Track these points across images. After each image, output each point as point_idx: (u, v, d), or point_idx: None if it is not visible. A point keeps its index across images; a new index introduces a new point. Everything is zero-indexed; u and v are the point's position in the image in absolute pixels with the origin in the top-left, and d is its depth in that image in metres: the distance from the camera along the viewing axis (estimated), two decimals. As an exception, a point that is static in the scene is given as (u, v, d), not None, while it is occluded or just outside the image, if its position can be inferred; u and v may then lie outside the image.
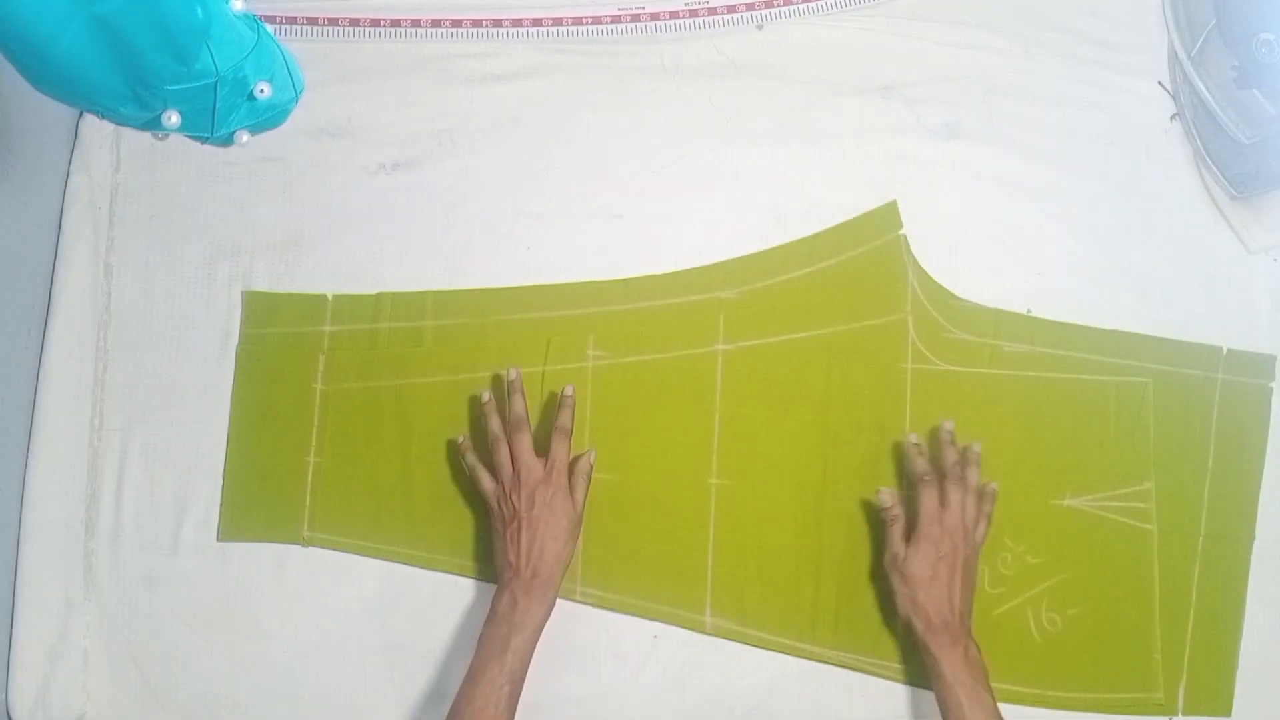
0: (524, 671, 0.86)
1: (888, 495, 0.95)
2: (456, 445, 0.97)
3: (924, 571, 0.91)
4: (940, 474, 0.95)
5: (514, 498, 0.91)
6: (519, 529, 0.90)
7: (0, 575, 0.95)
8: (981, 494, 0.96)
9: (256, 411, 1.00)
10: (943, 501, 0.93)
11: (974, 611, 0.96)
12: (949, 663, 0.88)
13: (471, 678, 0.86)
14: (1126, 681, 0.99)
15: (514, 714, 0.85)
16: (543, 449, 0.94)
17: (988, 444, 1.00)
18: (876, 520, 0.98)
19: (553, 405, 0.99)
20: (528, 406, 0.95)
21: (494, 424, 0.94)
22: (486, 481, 0.93)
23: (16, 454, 0.97)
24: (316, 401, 1.00)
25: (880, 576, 0.96)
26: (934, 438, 0.99)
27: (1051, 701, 0.98)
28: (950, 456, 0.96)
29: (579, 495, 0.92)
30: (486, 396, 0.97)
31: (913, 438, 0.98)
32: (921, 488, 0.94)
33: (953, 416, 1.00)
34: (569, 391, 0.96)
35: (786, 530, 0.99)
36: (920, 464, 0.96)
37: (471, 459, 0.95)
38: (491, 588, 0.97)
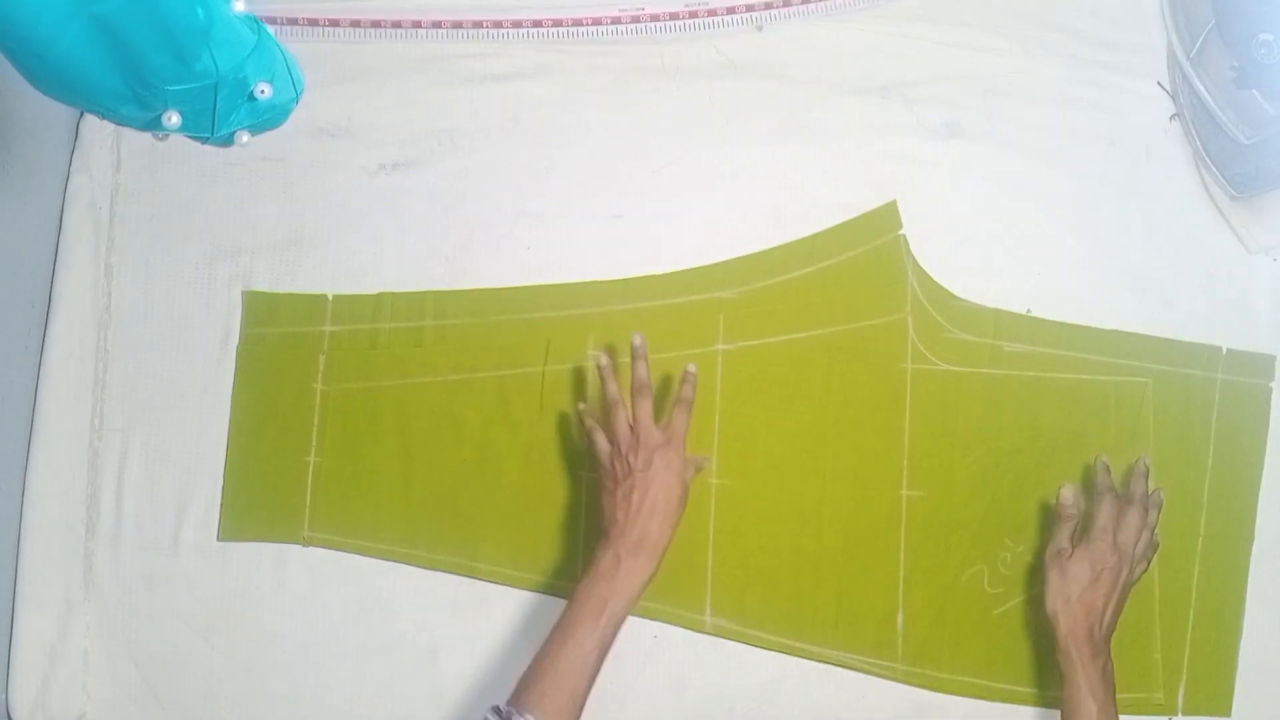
0: (614, 639, 0.83)
1: (1069, 494, 0.94)
2: (579, 410, 0.95)
3: (1086, 574, 0.90)
4: (1131, 498, 0.95)
5: (629, 457, 0.88)
6: (631, 487, 0.87)
7: (1, 575, 0.95)
8: (1154, 534, 0.95)
9: (257, 411, 1.00)
10: (1122, 523, 0.92)
11: (973, 611, 0.96)
12: (1087, 675, 0.87)
13: (560, 635, 0.82)
14: (1126, 681, 0.98)
15: (590, 689, 0.81)
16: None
17: (988, 444, 1.00)
18: (883, 521, 0.99)
19: (553, 404, 0.99)
20: (650, 373, 0.93)
21: (612, 388, 0.92)
22: (602, 442, 0.91)
23: (17, 454, 0.97)
24: (317, 401, 1.00)
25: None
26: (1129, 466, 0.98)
27: (1051, 701, 0.98)
28: (1140, 488, 0.96)
29: (690, 475, 0.90)
30: (604, 360, 0.94)
31: (1103, 458, 0.97)
32: (1105, 499, 0.94)
33: (952, 417, 1.00)
34: (692, 369, 0.94)
35: (786, 530, 0.99)
36: (1106, 480, 0.96)
37: (590, 421, 0.93)
38: (491, 588, 0.97)
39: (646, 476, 0.87)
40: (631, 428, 0.90)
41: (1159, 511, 0.95)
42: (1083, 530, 0.94)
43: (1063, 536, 0.93)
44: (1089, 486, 0.97)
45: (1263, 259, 1.06)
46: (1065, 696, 0.88)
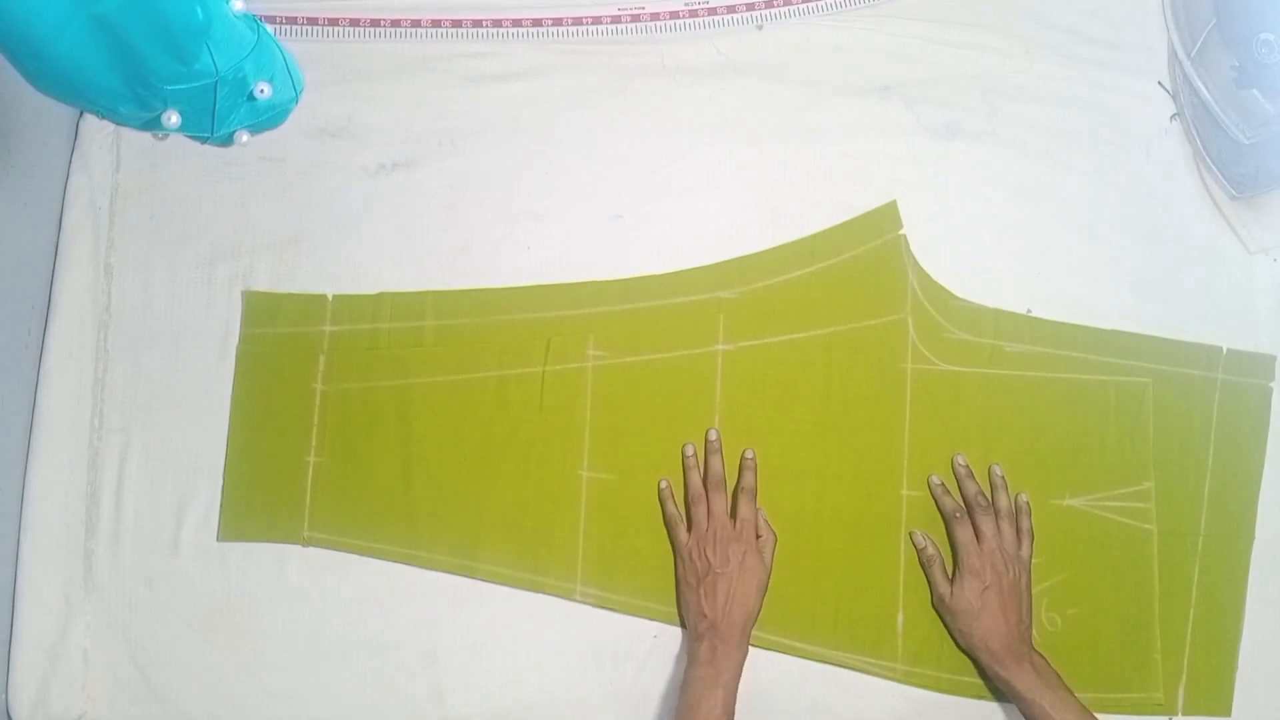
0: (733, 708, 0.89)
1: (920, 537, 0.98)
2: (660, 490, 0.99)
3: (971, 605, 0.93)
4: (969, 507, 0.97)
5: (709, 552, 0.94)
6: (715, 584, 0.93)
7: (0, 575, 0.95)
8: (1018, 510, 0.98)
9: (257, 411, 1.00)
10: (977, 533, 0.96)
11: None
12: (1021, 681, 0.90)
13: (687, 713, 0.88)
14: (1126, 681, 0.99)
15: None
16: None
17: (988, 444, 1.00)
18: (883, 521, 0.99)
19: (554, 404, 0.99)
20: (725, 466, 0.99)
21: (695, 480, 0.98)
22: (683, 534, 0.97)
23: (17, 454, 0.97)
24: (316, 401, 1.00)
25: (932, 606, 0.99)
26: (954, 473, 1.01)
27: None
28: (970, 488, 0.98)
29: (768, 555, 0.96)
30: (690, 450, 0.99)
31: (935, 479, 1.00)
32: (953, 525, 0.97)
33: (953, 416, 1.01)
34: (750, 455, 0.99)
35: (786, 530, 0.99)
36: (948, 502, 0.98)
37: (672, 509, 0.98)
38: (491, 588, 0.97)
39: (727, 572, 0.93)
40: (708, 522, 0.96)
41: (1005, 491, 0.99)
42: (954, 561, 0.97)
43: (938, 580, 0.97)
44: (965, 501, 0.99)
45: (1263, 259, 1.07)
46: (1022, 714, 0.90)
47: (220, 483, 0.99)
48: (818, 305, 1.02)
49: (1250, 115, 1.03)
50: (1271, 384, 1.04)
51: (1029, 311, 1.03)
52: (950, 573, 0.97)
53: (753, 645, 0.97)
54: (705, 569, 0.94)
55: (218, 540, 0.98)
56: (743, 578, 0.93)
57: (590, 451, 0.99)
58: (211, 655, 0.97)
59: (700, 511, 0.96)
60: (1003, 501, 0.98)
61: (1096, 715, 0.87)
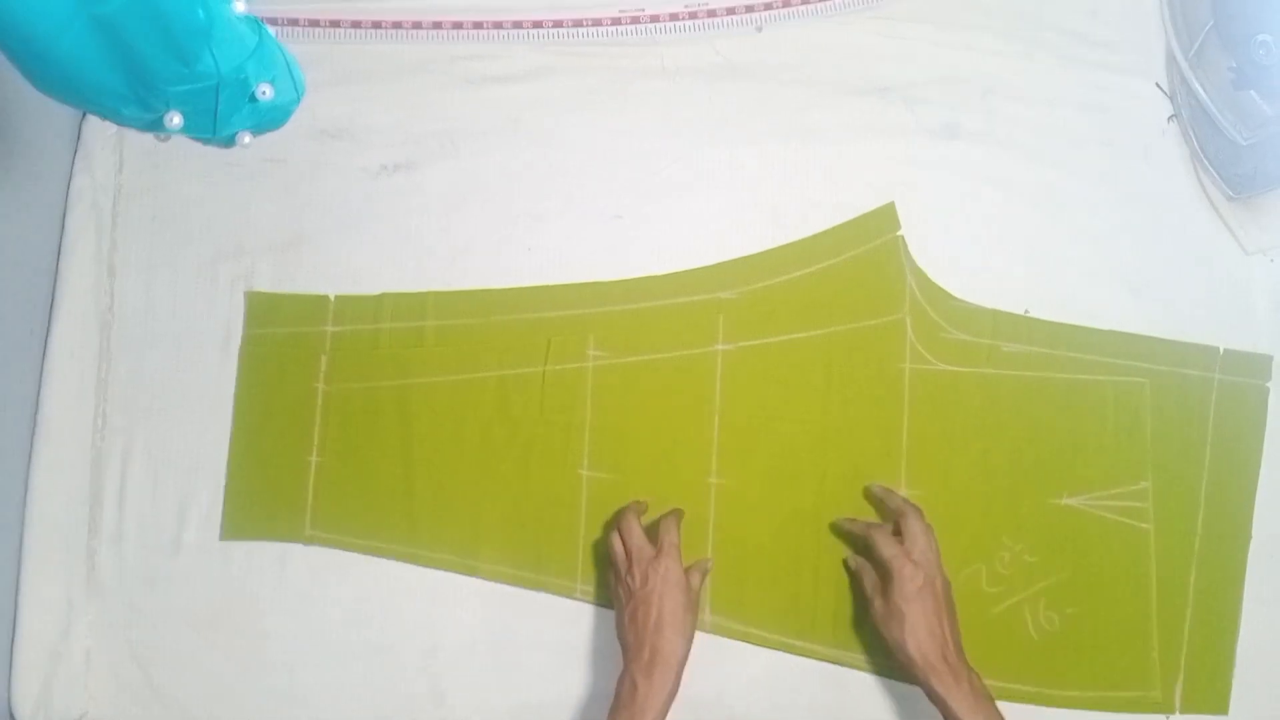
0: None
1: (850, 558, 0.97)
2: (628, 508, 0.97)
3: (902, 614, 0.89)
4: (901, 513, 0.95)
5: (627, 578, 0.91)
6: (635, 608, 0.89)
7: (3, 575, 0.95)
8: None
9: (259, 411, 1.00)
10: (908, 536, 0.93)
11: (972, 611, 0.96)
12: (958, 702, 0.85)
13: None
14: (1123, 680, 0.99)
15: None
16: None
17: (986, 444, 1.01)
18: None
19: (554, 404, 0.99)
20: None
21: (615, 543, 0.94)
22: (616, 557, 0.93)
23: (19, 454, 0.97)
24: (318, 401, 1.00)
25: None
26: (872, 499, 1.00)
27: (1049, 700, 0.98)
28: (893, 501, 0.97)
29: (695, 582, 0.92)
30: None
31: (841, 521, 0.98)
32: (874, 534, 0.94)
33: (951, 416, 1.01)
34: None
35: (786, 530, 0.99)
36: (857, 526, 0.96)
37: (613, 536, 0.94)
38: (492, 587, 0.98)
39: (646, 593, 0.89)
40: (624, 551, 0.92)
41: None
42: (881, 576, 0.93)
43: (869, 589, 0.93)
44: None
45: (1260, 259, 1.07)
46: None
47: (222, 482, 0.99)
48: (817, 305, 1.02)
49: (1248, 116, 1.03)
50: (1268, 384, 1.04)
51: (1027, 312, 1.03)
52: (881, 586, 0.93)
53: (752, 644, 0.97)
54: (628, 595, 0.90)
55: (220, 540, 0.98)
56: (665, 596, 0.89)
57: (590, 451, 1.00)
58: (213, 655, 0.97)
59: (617, 546, 0.93)
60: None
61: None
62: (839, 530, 0.99)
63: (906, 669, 0.89)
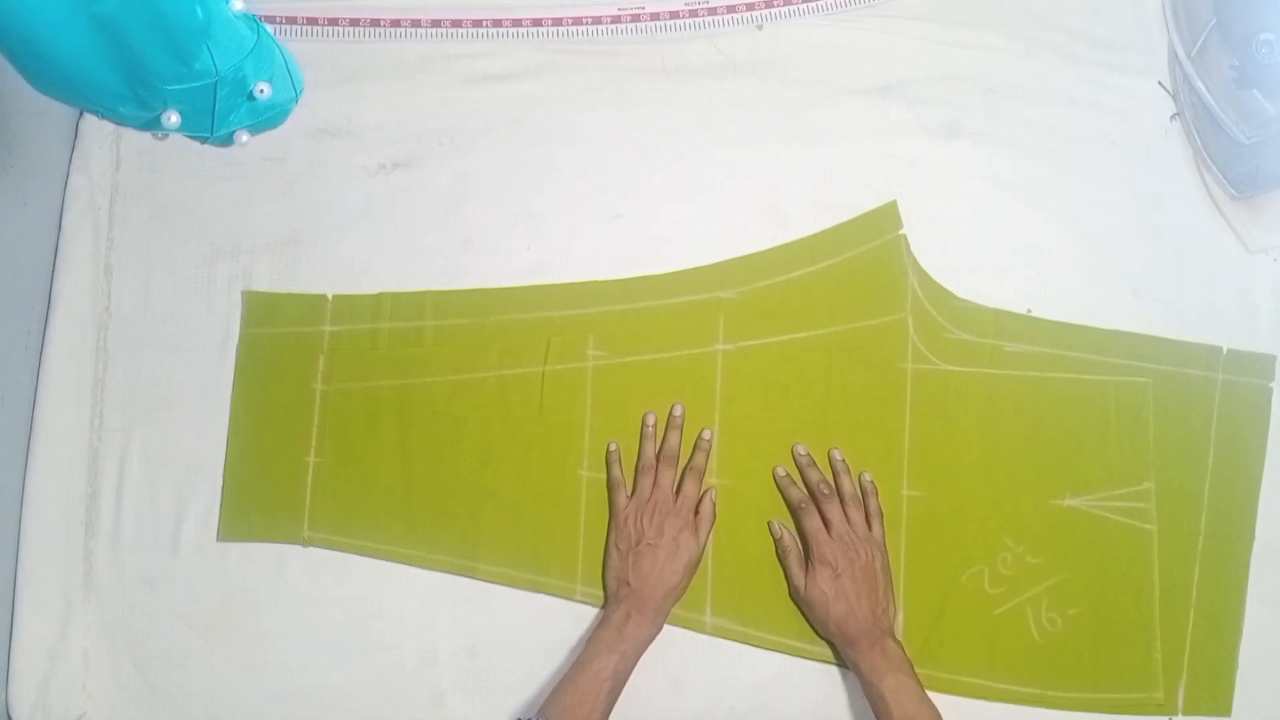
0: (627, 677, 0.90)
1: (776, 527, 0.98)
2: (608, 452, 0.99)
3: (824, 594, 0.93)
4: (813, 496, 0.97)
5: (644, 521, 0.94)
6: (641, 553, 0.93)
7: (0, 575, 0.95)
8: (863, 492, 0.99)
9: (256, 411, 1.00)
10: (825, 521, 0.95)
11: (974, 612, 0.96)
12: (867, 663, 0.90)
13: (578, 666, 0.89)
14: (1126, 681, 0.99)
15: (610, 714, 0.88)
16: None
17: (988, 444, 1.00)
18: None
19: (554, 404, 0.99)
20: (681, 443, 0.99)
21: (649, 450, 0.98)
22: (622, 498, 0.97)
23: (17, 454, 0.97)
24: (316, 401, 1.00)
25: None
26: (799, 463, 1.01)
27: (1051, 701, 0.98)
28: (812, 477, 0.98)
29: (703, 534, 0.96)
30: (651, 420, 0.99)
31: (780, 470, 1.00)
32: (800, 516, 0.97)
33: (953, 417, 1.01)
34: (707, 435, 0.99)
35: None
36: (794, 493, 0.98)
37: (618, 471, 0.98)
38: (491, 588, 0.97)
39: (656, 546, 0.93)
40: (651, 492, 0.96)
41: (847, 475, 0.98)
42: (805, 552, 0.97)
43: (794, 571, 0.96)
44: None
45: (1263, 259, 1.07)
46: (866, 697, 0.90)
47: (220, 483, 0.99)
48: (818, 305, 1.02)
49: (1250, 115, 1.03)
50: (1271, 384, 1.04)
51: (1029, 311, 1.03)
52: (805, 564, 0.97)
53: (753, 645, 0.97)
54: (638, 538, 0.94)
55: (218, 540, 0.98)
56: (673, 553, 0.93)
57: (590, 451, 0.99)
58: (211, 655, 0.97)
59: (646, 481, 0.96)
60: (846, 486, 0.98)
61: (939, 713, 0.88)
62: (777, 480, 1.00)
63: (827, 641, 0.95)
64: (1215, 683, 0.99)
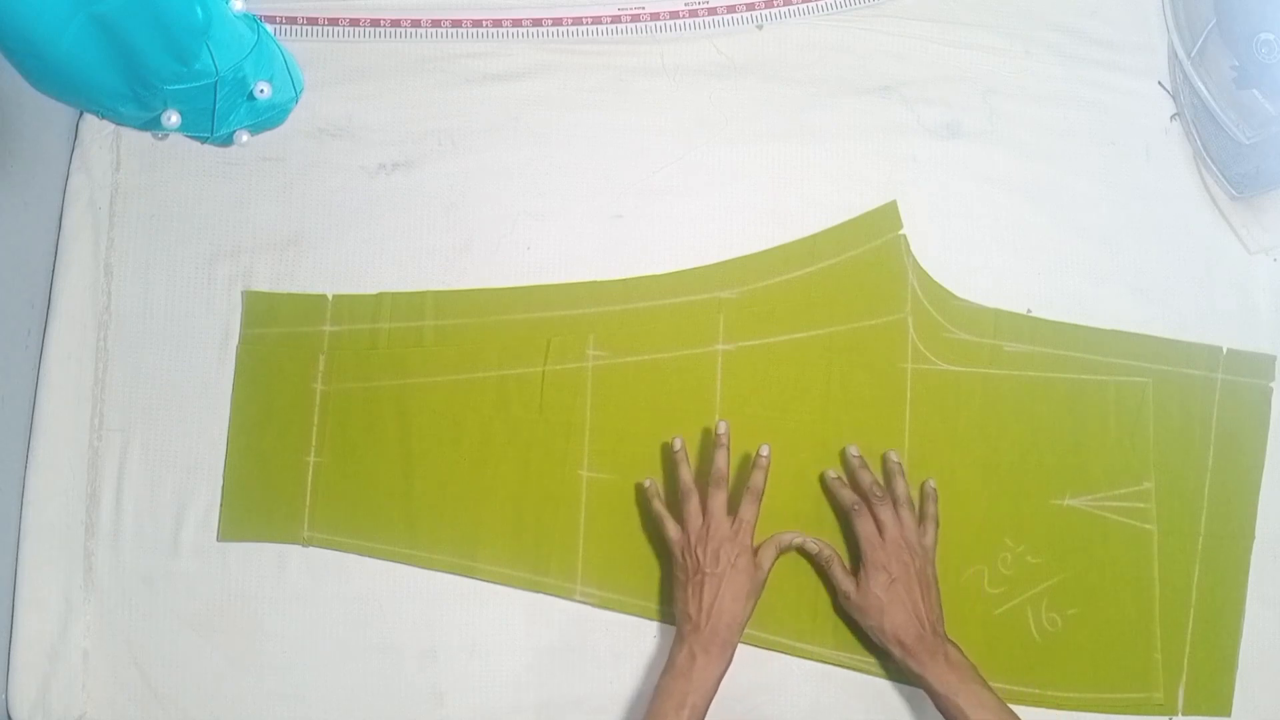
0: None
1: (812, 543, 0.96)
2: (643, 489, 0.97)
3: (878, 601, 0.91)
4: (865, 498, 0.95)
5: (699, 551, 0.91)
6: (701, 583, 0.90)
7: (1, 575, 0.95)
8: (924, 496, 0.98)
9: (257, 411, 1.00)
10: (878, 524, 0.94)
11: (974, 612, 0.96)
12: (934, 675, 0.88)
13: None
14: (1126, 681, 0.99)
15: None
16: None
17: (988, 444, 1.00)
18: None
19: (554, 404, 0.99)
20: (729, 462, 0.95)
21: (685, 474, 0.95)
22: (673, 530, 0.93)
23: (17, 454, 0.97)
24: (316, 401, 1.00)
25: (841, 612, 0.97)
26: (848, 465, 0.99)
27: (1051, 701, 0.98)
28: (865, 479, 0.96)
29: (766, 562, 0.93)
30: (678, 445, 0.97)
31: (830, 473, 0.98)
32: (854, 519, 0.94)
33: (953, 417, 1.01)
34: (765, 452, 0.96)
35: (787, 530, 0.98)
36: (846, 495, 0.96)
37: (658, 506, 0.95)
38: (491, 588, 0.97)
39: (717, 573, 0.90)
40: (703, 519, 0.92)
41: (902, 477, 0.97)
42: (855, 556, 0.95)
43: (840, 578, 0.94)
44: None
45: (1263, 259, 1.07)
46: (937, 708, 0.88)
47: (220, 483, 0.99)
48: (818, 305, 1.02)
49: (1250, 115, 1.03)
50: (1271, 384, 1.04)
51: (1029, 311, 1.03)
52: (852, 569, 0.95)
53: (753, 645, 0.97)
54: (695, 568, 0.90)
55: (217, 540, 0.98)
56: (733, 581, 0.90)
57: (590, 451, 0.99)
58: (211, 655, 0.97)
59: (692, 508, 0.93)
60: (900, 488, 0.96)
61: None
62: (825, 484, 0.99)
63: (884, 653, 0.92)
64: (1215, 682, 0.99)
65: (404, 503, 0.98)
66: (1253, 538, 1.02)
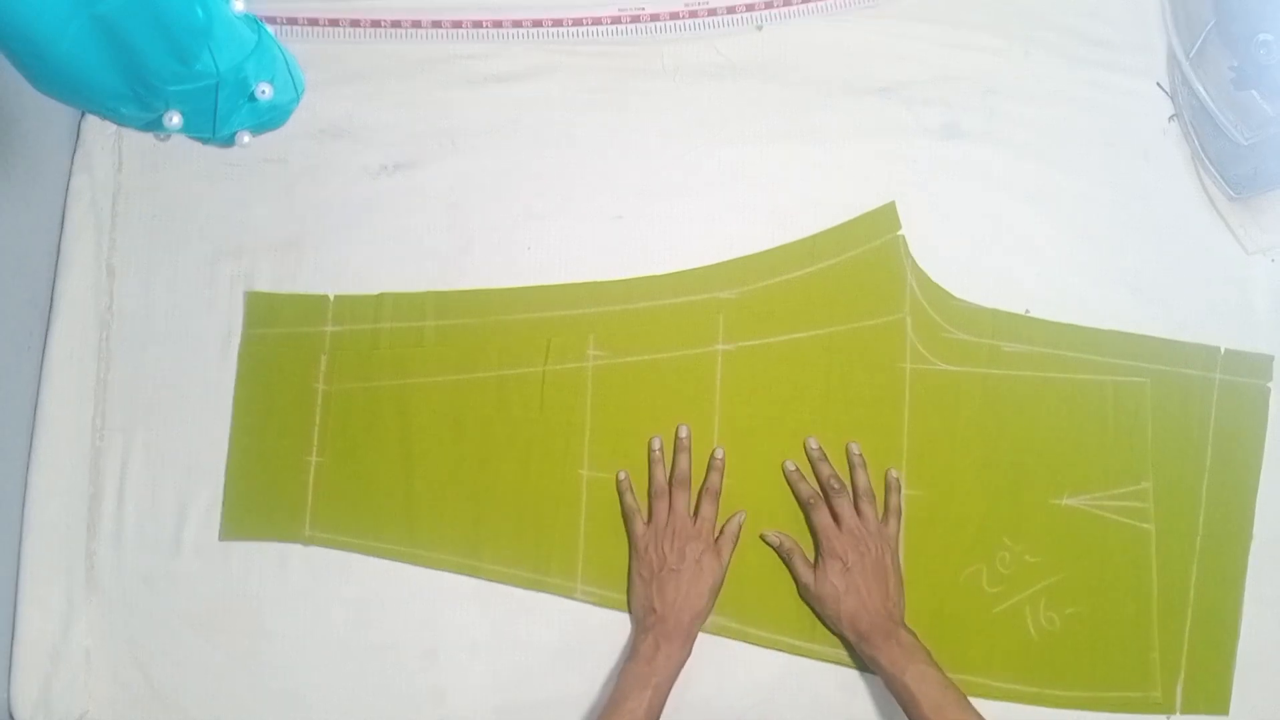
0: (661, 709, 0.89)
1: (772, 535, 0.98)
2: (618, 481, 0.99)
3: (834, 589, 0.94)
4: (824, 491, 0.98)
5: (665, 547, 0.95)
6: (665, 580, 0.94)
7: (2, 575, 0.95)
8: (887, 487, 0.99)
9: (258, 411, 1.00)
10: (835, 516, 0.96)
11: (973, 611, 0.96)
12: (885, 657, 0.90)
13: (611, 706, 0.88)
14: (1124, 680, 0.99)
15: None
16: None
17: (986, 444, 1.01)
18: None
19: (554, 404, 0.99)
20: (691, 465, 0.99)
21: (659, 475, 0.99)
22: (640, 526, 0.97)
23: (19, 454, 0.97)
24: (318, 401, 1.00)
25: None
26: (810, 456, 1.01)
27: (1049, 700, 0.98)
28: (823, 471, 0.99)
29: (725, 555, 0.96)
30: (657, 444, 1.00)
31: (789, 465, 1.00)
32: (810, 511, 0.97)
33: (951, 416, 1.01)
34: (719, 455, 0.99)
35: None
36: (803, 488, 0.98)
37: (631, 500, 0.98)
38: (492, 587, 0.98)
39: (679, 571, 0.94)
40: (668, 517, 0.96)
41: (863, 469, 0.98)
42: (815, 547, 0.97)
43: (800, 569, 0.96)
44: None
45: (1260, 259, 1.07)
46: (890, 690, 0.90)
47: (222, 482, 0.99)
48: (817, 305, 1.02)
49: (1249, 116, 1.03)
50: (1269, 384, 1.04)
51: (1027, 311, 1.03)
52: (812, 560, 0.97)
53: (753, 644, 0.97)
54: (660, 564, 0.94)
55: (219, 540, 0.98)
56: (697, 577, 0.93)
57: (590, 451, 0.99)
58: (213, 655, 0.97)
59: (661, 506, 0.97)
60: (861, 481, 0.98)
61: (964, 694, 0.87)
62: (787, 475, 1.00)
63: (839, 637, 0.95)
64: (1213, 681, 1.00)
65: (405, 502, 0.99)
66: (1250, 537, 1.02)
